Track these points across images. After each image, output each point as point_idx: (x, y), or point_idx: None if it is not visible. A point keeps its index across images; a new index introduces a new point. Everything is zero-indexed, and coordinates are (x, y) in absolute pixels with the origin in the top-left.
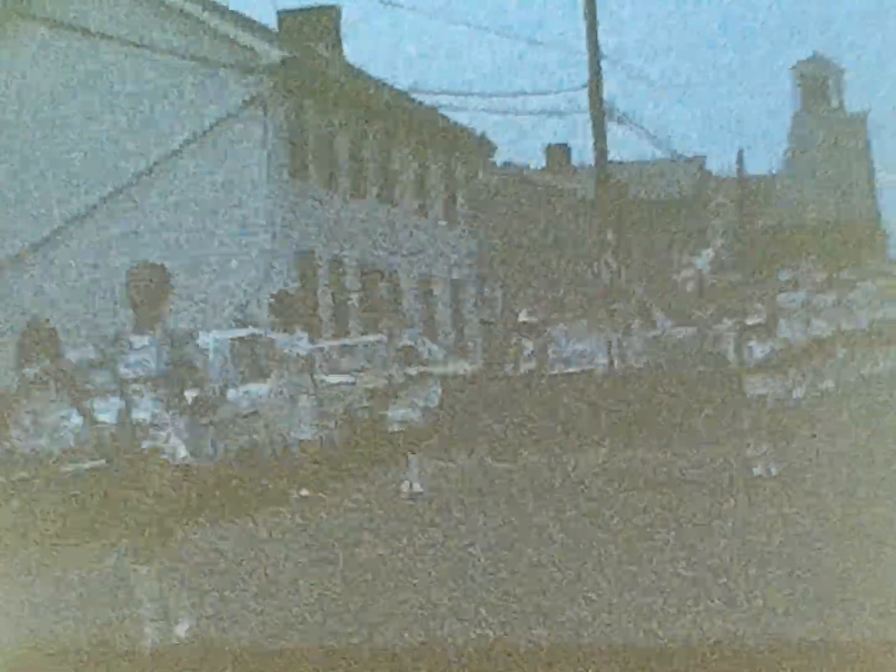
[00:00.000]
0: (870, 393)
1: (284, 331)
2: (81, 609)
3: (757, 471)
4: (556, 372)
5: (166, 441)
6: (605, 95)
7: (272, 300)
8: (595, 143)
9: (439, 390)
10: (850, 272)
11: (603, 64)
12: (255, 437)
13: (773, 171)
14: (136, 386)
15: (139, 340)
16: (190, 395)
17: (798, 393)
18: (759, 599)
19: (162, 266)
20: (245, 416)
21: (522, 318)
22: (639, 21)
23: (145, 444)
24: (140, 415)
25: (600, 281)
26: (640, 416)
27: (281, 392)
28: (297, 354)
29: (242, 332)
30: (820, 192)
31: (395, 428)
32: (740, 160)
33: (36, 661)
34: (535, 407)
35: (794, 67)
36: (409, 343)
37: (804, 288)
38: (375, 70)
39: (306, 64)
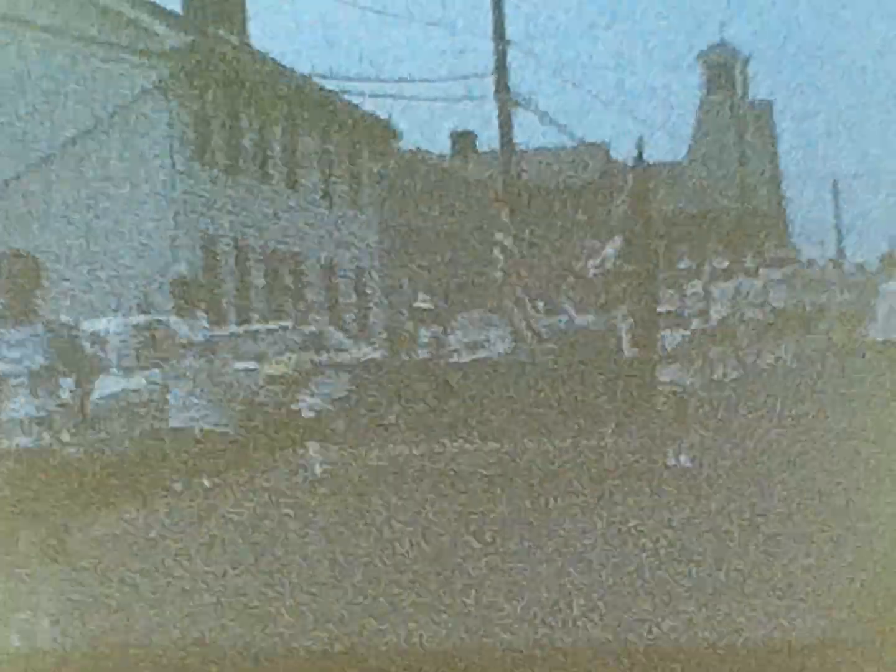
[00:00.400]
0: (773, 380)
1: (183, 317)
2: None
3: (672, 461)
4: (455, 360)
5: (57, 435)
6: (510, 82)
7: (170, 286)
8: (500, 130)
9: (345, 378)
10: (752, 259)
11: (509, 50)
12: (154, 425)
13: (679, 158)
14: (15, 380)
15: (14, 334)
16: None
17: (700, 382)
18: (642, 599)
19: (30, 255)
20: (137, 405)
21: (418, 303)
22: (546, 7)
23: (25, 441)
24: (20, 412)
25: (495, 264)
26: (543, 405)
27: (177, 379)
28: (195, 341)
29: (141, 319)
30: (724, 179)
31: (304, 415)
32: (639, 147)
33: (34, 661)
34: (436, 395)
35: (699, 55)
36: (315, 329)
37: (707, 276)
38: (281, 55)
39: (210, 48)
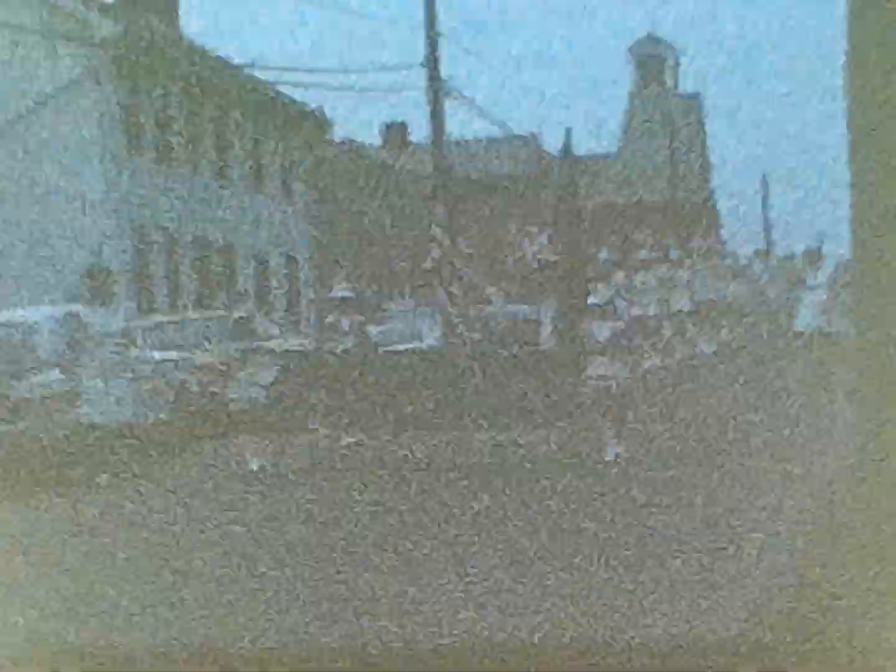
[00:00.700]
0: (697, 374)
1: (100, 306)
2: None
3: (610, 454)
4: (383, 350)
5: None
6: (442, 73)
7: (81, 276)
8: (431, 121)
9: (275, 367)
10: (678, 251)
11: (440, 41)
12: (69, 418)
13: (610, 151)
14: None
15: None
16: None
17: (629, 374)
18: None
19: None
20: (53, 398)
21: (337, 292)
22: None
23: None
24: None
25: (428, 256)
26: (470, 397)
27: (91, 371)
28: (109, 332)
29: (57, 310)
30: (654, 172)
31: (233, 406)
32: (567, 139)
33: (32, 661)
34: (362, 386)
35: (629, 48)
36: (244, 316)
37: (630, 267)
38: (212, 45)
39: (142, 37)
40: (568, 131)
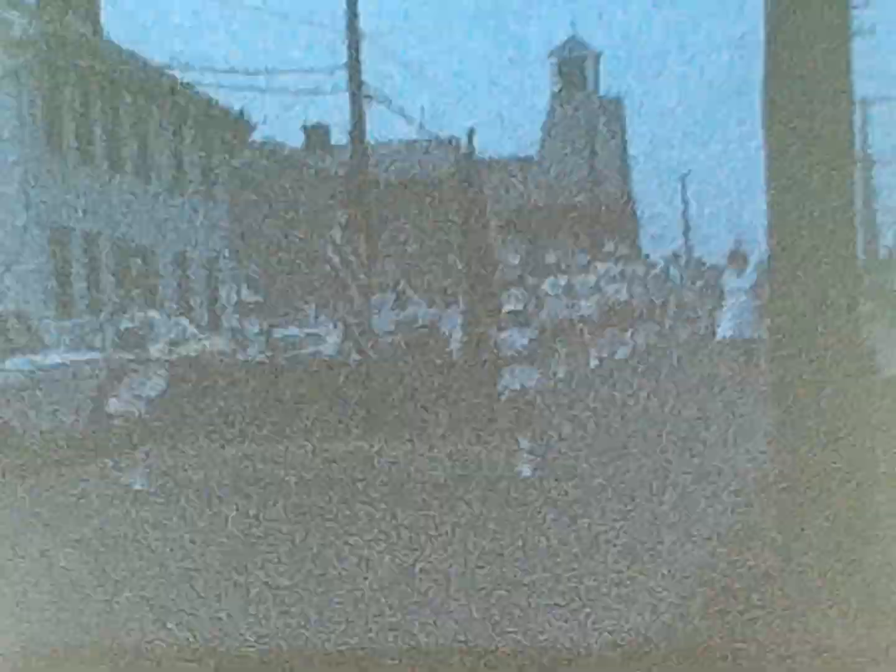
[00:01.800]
0: (607, 380)
1: None
2: None
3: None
4: (283, 357)
5: None
6: (363, 76)
7: None
8: (352, 124)
9: (164, 377)
10: (593, 255)
11: (362, 44)
12: None
13: (530, 154)
14: None
15: None
16: None
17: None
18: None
19: None
20: None
21: (244, 296)
22: (400, 1)
23: None
24: None
25: (327, 260)
26: (374, 407)
27: None
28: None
29: None
30: (574, 175)
31: (117, 420)
32: (469, 138)
33: (32, 661)
34: (260, 394)
35: (551, 51)
36: (134, 325)
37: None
38: (133, 45)
39: (62, 37)
40: (471, 130)
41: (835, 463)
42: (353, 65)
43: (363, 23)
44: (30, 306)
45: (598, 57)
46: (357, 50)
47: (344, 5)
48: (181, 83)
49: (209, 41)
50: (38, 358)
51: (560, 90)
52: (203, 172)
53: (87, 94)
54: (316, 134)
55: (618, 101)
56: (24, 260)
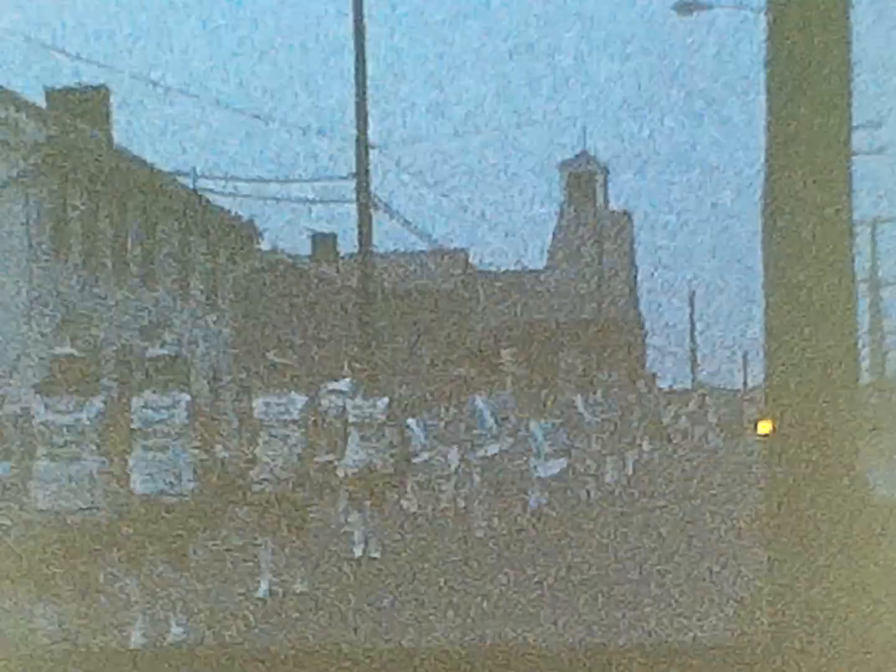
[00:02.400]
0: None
1: None
2: None
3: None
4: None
5: None
6: (371, 186)
7: None
8: (360, 233)
9: None
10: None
11: (371, 154)
12: None
13: (538, 267)
14: None
15: None
16: None
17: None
18: None
19: None
20: None
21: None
22: (409, 112)
23: None
24: None
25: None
26: None
27: None
28: None
29: None
30: (582, 289)
31: None
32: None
33: (34, 662)
34: None
35: (560, 164)
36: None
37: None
38: (143, 152)
39: (71, 143)
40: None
41: None
42: (361, 174)
43: (372, 133)
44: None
45: (606, 171)
46: (365, 159)
47: (353, 115)
48: (189, 190)
49: (218, 149)
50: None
51: (568, 203)
52: (209, 280)
53: (95, 199)
54: (323, 243)
55: (625, 215)
56: (27, 365)
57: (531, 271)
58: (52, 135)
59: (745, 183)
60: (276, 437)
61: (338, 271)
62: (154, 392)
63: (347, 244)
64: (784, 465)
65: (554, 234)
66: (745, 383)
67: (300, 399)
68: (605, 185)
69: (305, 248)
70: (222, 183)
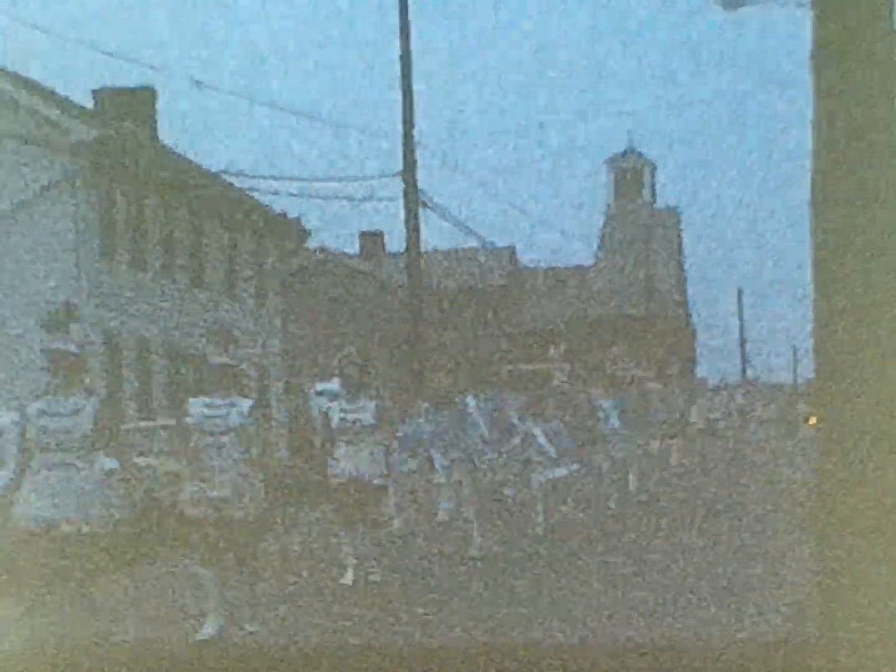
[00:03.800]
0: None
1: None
2: None
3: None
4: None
5: None
6: (419, 183)
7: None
8: (407, 231)
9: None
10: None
11: (417, 151)
12: None
13: (586, 263)
14: None
15: None
16: None
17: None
18: None
19: None
20: None
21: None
22: (456, 109)
23: None
24: None
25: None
26: None
27: None
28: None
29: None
30: (630, 284)
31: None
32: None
33: (39, 662)
34: None
35: (608, 160)
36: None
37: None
38: (191, 152)
39: (118, 143)
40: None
41: None
42: (409, 172)
43: (419, 130)
44: None
45: (654, 166)
46: (413, 157)
47: (400, 113)
48: (237, 189)
49: (266, 148)
50: None
51: (616, 199)
52: (257, 279)
53: (142, 198)
54: (371, 241)
55: (673, 211)
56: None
57: (579, 268)
58: (99, 135)
59: (793, 177)
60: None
61: (385, 269)
62: (211, 396)
63: (395, 242)
64: (834, 460)
65: (601, 231)
66: (794, 379)
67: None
68: (652, 180)
69: (353, 247)
70: (270, 182)
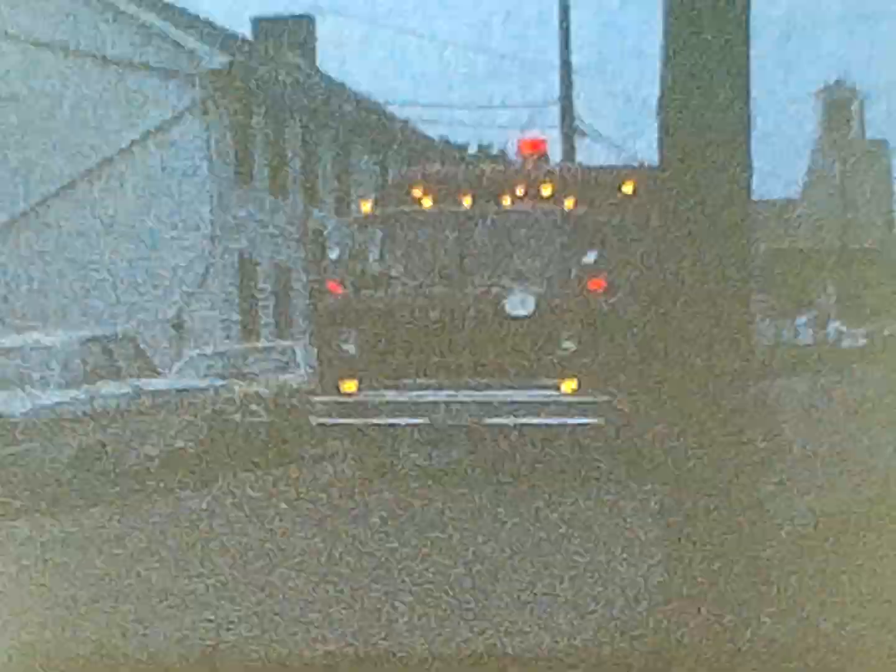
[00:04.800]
0: None
1: None
2: None
3: None
4: None
5: None
6: (576, 110)
7: None
8: (563, 158)
9: None
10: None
11: (574, 78)
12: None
13: (792, 196)
14: None
15: None
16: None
17: None
18: None
19: None
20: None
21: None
22: (613, 33)
23: None
24: None
25: None
26: None
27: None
28: None
29: (97, 332)
30: (837, 218)
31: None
32: None
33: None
34: None
35: (816, 92)
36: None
37: None
38: (348, 80)
39: (254, 69)
40: None
41: None
42: (566, 99)
43: (575, 57)
44: (213, 333)
45: (863, 99)
46: (569, 84)
47: (556, 40)
48: (389, 116)
49: (420, 76)
50: (145, 382)
51: (825, 131)
52: None
53: (283, 124)
54: None
55: (883, 144)
56: (211, 289)
57: (786, 199)
58: (233, 60)
59: None
60: None
61: None
62: None
63: None
64: None
65: (809, 163)
66: None
67: None
68: (861, 113)
69: None
70: (424, 109)
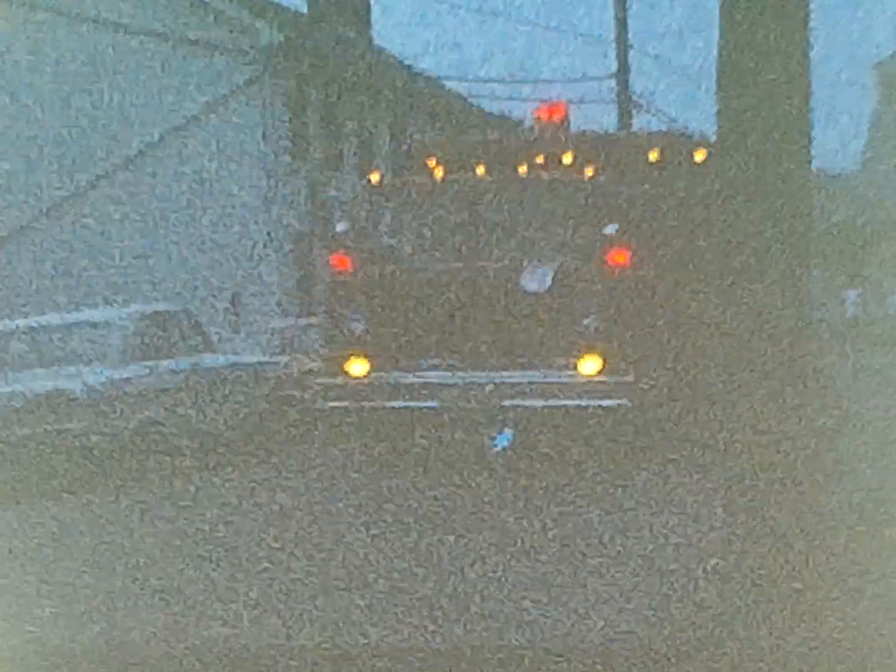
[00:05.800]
0: None
1: None
2: None
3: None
4: None
5: None
6: (632, 85)
7: None
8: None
9: None
10: None
11: (630, 52)
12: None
13: (849, 168)
14: None
15: None
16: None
17: None
18: None
19: None
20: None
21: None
22: (667, 8)
23: None
24: None
25: None
26: None
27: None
28: None
29: (157, 308)
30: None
31: None
32: None
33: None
34: None
35: (876, 64)
36: None
37: None
38: (402, 54)
39: (309, 45)
40: None
41: None
42: (622, 73)
43: (632, 31)
44: (267, 310)
45: None
46: (625, 58)
47: (612, 14)
48: (444, 89)
49: (475, 50)
50: (200, 359)
51: (886, 103)
52: None
53: (340, 100)
54: None
55: None
56: (268, 265)
57: (845, 173)
58: (289, 36)
59: None
60: None
61: None
62: None
63: None
64: None
65: (868, 136)
66: None
67: None
68: None
69: None
70: (480, 84)
